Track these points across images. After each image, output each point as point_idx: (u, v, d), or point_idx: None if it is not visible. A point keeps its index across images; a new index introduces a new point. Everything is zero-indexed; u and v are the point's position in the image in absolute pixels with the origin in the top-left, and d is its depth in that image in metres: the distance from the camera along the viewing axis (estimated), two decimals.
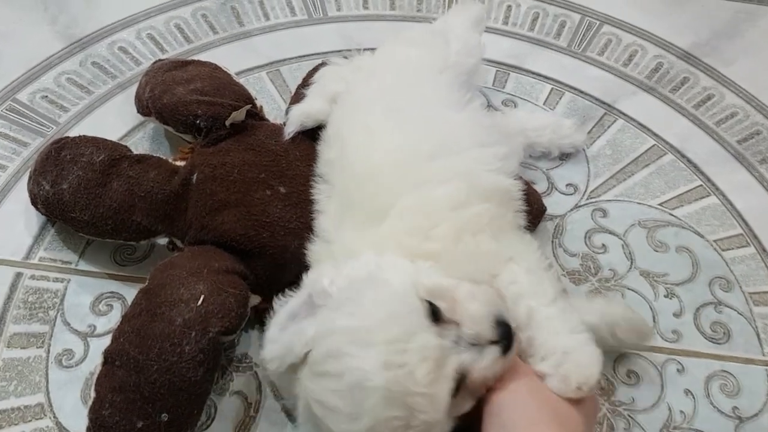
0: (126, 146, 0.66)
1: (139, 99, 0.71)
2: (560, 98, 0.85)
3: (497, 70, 0.88)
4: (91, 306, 0.64)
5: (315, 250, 0.56)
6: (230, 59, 0.84)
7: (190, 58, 0.76)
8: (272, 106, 0.80)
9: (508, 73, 0.87)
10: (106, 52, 0.84)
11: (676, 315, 0.68)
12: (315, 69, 0.75)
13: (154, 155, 0.66)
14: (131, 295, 0.62)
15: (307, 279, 0.49)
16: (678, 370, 0.64)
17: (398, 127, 0.56)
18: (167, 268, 0.58)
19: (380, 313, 0.43)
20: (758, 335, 0.67)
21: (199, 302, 0.54)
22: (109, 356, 0.53)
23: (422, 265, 0.48)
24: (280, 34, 0.88)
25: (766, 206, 0.77)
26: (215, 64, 0.74)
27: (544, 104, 0.84)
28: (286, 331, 0.47)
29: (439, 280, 0.46)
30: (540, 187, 0.76)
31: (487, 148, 0.56)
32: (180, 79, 0.69)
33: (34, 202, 0.65)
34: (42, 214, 0.66)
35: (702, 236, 0.74)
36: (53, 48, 0.84)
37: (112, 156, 0.63)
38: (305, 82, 0.73)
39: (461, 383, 0.43)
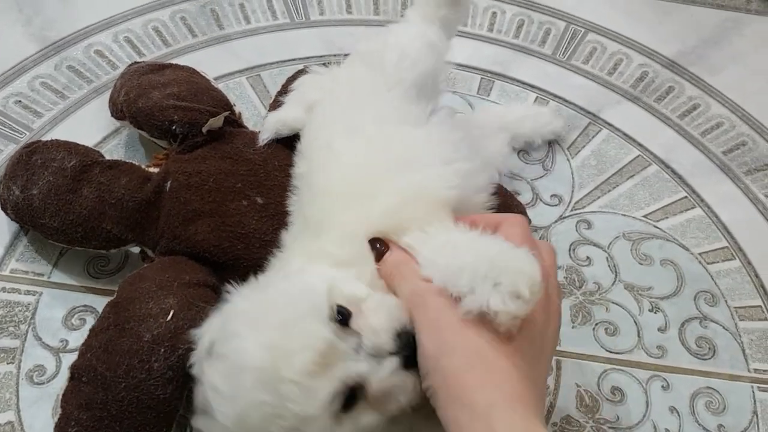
0: (98, 152, 0.64)
1: (113, 102, 0.69)
2: (545, 107, 0.84)
3: (482, 78, 0.87)
4: (64, 320, 0.62)
5: (271, 262, 0.55)
6: (210, 63, 0.82)
7: (167, 62, 0.73)
8: (252, 112, 0.79)
9: (493, 81, 0.86)
10: (82, 55, 0.82)
11: (661, 330, 0.67)
12: (295, 76, 0.73)
13: (127, 161, 0.64)
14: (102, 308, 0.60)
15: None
16: (663, 387, 0.63)
17: (356, 145, 0.54)
18: (136, 281, 0.56)
19: (281, 301, 0.43)
20: (743, 351, 0.66)
21: (169, 317, 0.52)
22: (75, 372, 0.51)
23: (345, 273, 0.46)
24: (261, 38, 0.87)
25: (751, 218, 0.76)
26: (193, 69, 0.72)
27: None
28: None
29: (355, 288, 0.45)
30: (525, 197, 0.75)
31: (447, 165, 0.52)
32: (156, 83, 0.67)
33: (3, 207, 0.63)
34: (12, 219, 0.63)
35: (687, 249, 0.73)
36: (27, 51, 0.81)
37: (84, 161, 0.61)
38: (284, 89, 0.71)
39: (358, 393, 0.41)
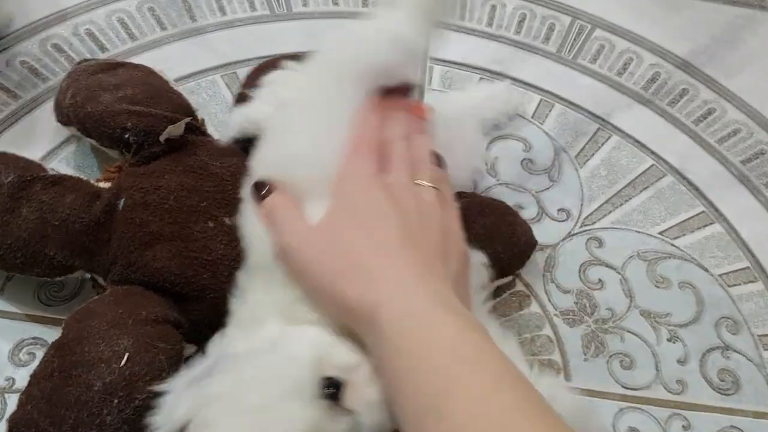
0: (41, 165, 0.56)
1: (59, 105, 0.61)
2: (550, 110, 0.77)
3: (481, 78, 0.79)
4: (10, 355, 0.54)
5: (233, 304, 0.48)
6: (181, 59, 0.74)
7: (120, 60, 0.64)
8: (227, 115, 0.71)
9: (493, 81, 0.79)
10: (37, 50, 0.73)
11: (681, 362, 0.61)
12: (262, 67, 0.64)
13: (74, 176, 0.56)
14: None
15: (214, 343, 0.44)
16: (684, 427, 0.57)
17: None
18: (85, 318, 0.48)
19: (260, 378, 0.37)
20: None
21: (123, 362, 0.45)
22: (14, 427, 0.44)
23: (334, 338, 0.40)
24: (237, 31, 0.79)
25: None
26: (150, 68, 0.63)
27: (532, 117, 0.76)
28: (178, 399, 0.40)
29: (346, 356, 0.39)
30: (530, 212, 0.68)
31: None
32: (107, 84, 0.58)
33: None
34: None
35: (706, 270, 0.67)
36: None
37: (23, 177, 0.53)
38: (250, 82, 0.63)
39: None
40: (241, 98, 0.62)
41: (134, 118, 0.55)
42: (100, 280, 0.55)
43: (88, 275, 0.56)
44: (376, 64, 0.50)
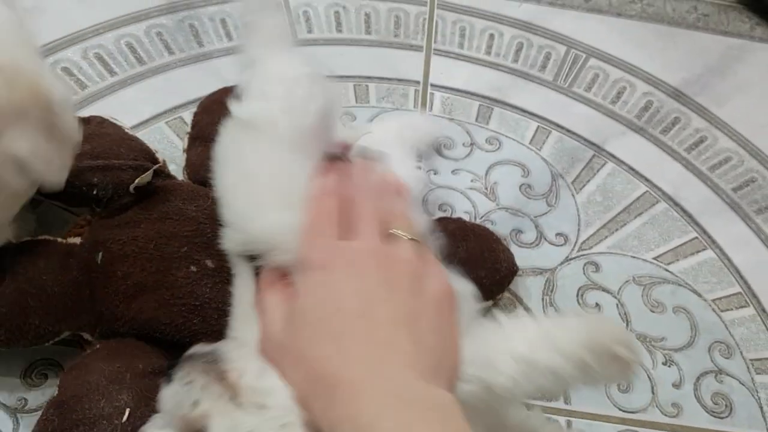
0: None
1: None
2: (547, 137, 0.79)
3: (480, 104, 0.81)
4: (23, 376, 0.55)
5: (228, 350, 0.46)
6: (189, 84, 0.76)
7: None
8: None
9: (492, 108, 0.81)
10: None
11: (676, 385, 0.62)
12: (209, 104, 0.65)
13: (41, 238, 0.55)
14: (68, 361, 0.53)
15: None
16: None
17: None
18: (82, 374, 0.48)
19: None
20: (761, 407, 0.62)
21: (125, 418, 0.45)
22: None
23: None
24: None
25: (763, 261, 0.72)
26: (100, 117, 0.62)
27: (530, 143, 0.78)
28: None
29: None
30: (529, 236, 0.70)
31: None
32: None
33: None
34: None
35: (699, 295, 0.68)
36: None
37: None
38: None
39: None
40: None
41: (99, 173, 0.54)
42: (87, 336, 0.54)
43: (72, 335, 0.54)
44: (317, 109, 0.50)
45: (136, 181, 0.54)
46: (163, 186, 0.57)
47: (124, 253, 0.52)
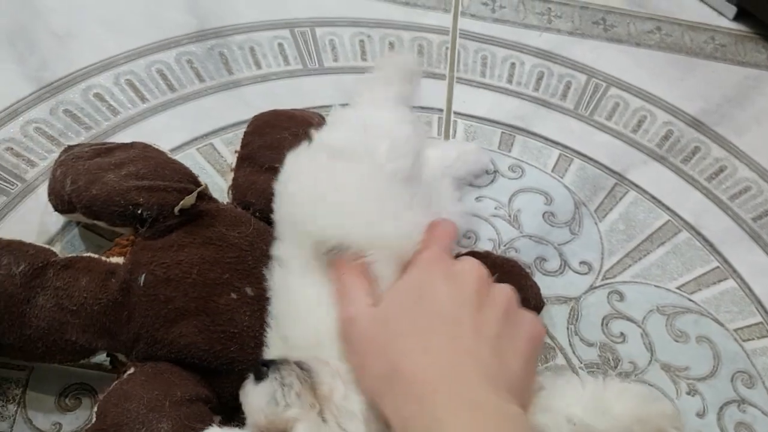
0: (50, 250, 0.55)
1: (56, 194, 0.59)
2: (569, 165, 0.80)
3: (503, 132, 0.83)
4: (57, 400, 0.56)
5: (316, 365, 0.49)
6: (219, 111, 0.77)
7: (111, 142, 0.64)
8: None
9: (514, 136, 0.82)
10: (80, 99, 0.76)
11: (700, 415, 0.63)
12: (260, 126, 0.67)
13: (85, 255, 0.56)
14: (102, 386, 0.54)
15: None
16: None
17: None
18: (121, 401, 0.48)
19: None
20: None
21: None
22: None
23: None
24: (272, 84, 0.82)
25: None
26: (144, 143, 0.63)
27: (552, 171, 0.80)
28: None
29: None
30: (552, 264, 0.71)
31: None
32: (108, 165, 0.58)
33: None
34: None
35: (722, 324, 0.69)
36: (21, 92, 0.75)
37: (34, 264, 0.52)
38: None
39: None
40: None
41: (145, 193, 0.55)
42: (122, 358, 0.55)
43: (106, 355, 0.56)
44: (415, 153, 0.55)
45: (181, 203, 0.55)
46: (207, 210, 0.57)
47: (167, 277, 0.53)
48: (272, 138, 0.64)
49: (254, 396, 0.41)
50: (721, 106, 0.90)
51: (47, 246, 0.56)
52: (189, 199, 0.55)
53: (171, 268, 0.53)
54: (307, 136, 0.58)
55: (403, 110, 0.60)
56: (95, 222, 0.58)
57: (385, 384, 0.39)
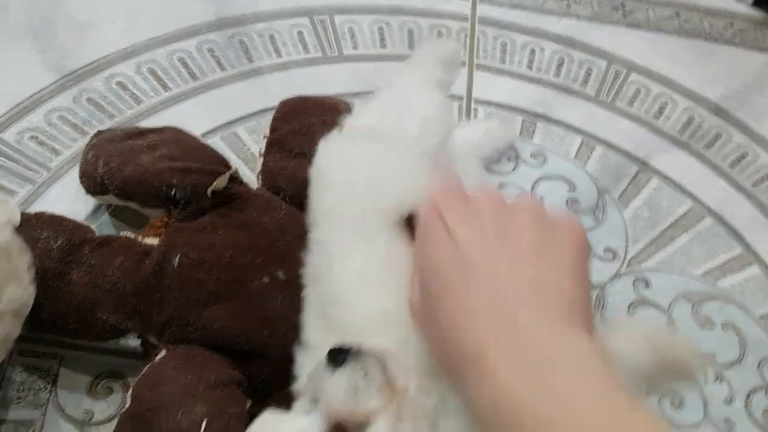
0: (88, 227, 0.56)
1: (88, 176, 0.59)
2: (591, 152, 0.80)
3: (524, 119, 0.82)
4: (88, 388, 0.56)
5: (300, 356, 0.48)
6: (240, 100, 0.77)
7: (143, 127, 0.64)
8: None
9: (536, 123, 0.82)
10: (102, 87, 0.76)
11: (727, 402, 0.63)
12: (290, 111, 0.67)
13: (121, 235, 0.56)
14: (133, 373, 0.55)
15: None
16: None
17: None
18: (155, 385, 0.49)
19: None
20: None
21: (202, 430, 0.46)
22: None
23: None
24: (292, 73, 0.82)
25: None
26: (175, 127, 0.63)
27: (575, 158, 0.79)
28: None
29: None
30: None
31: None
32: (140, 147, 0.59)
33: None
34: None
35: (747, 311, 0.69)
36: (43, 81, 0.75)
37: (72, 240, 0.53)
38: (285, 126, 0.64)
39: None
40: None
41: (178, 174, 0.56)
42: (153, 340, 0.55)
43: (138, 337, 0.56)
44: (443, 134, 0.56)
45: (214, 183, 0.55)
46: (239, 193, 0.58)
47: (201, 259, 0.53)
48: (300, 124, 0.64)
49: (332, 384, 0.39)
50: (741, 92, 0.90)
51: (86, 223, 0.57)
52: (221, 181, 0.56)
53: (204, 250, 0.53)
54: (336, 123, 0.58)
55: (437, 94, 0.60)
56: (127, 203, 0.59)
57: (451, 360, 0.36)
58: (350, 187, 0.51)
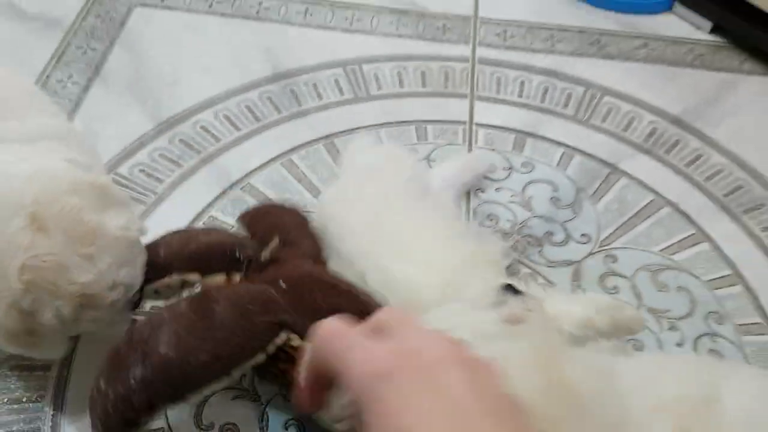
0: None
1: (154, 259, 0.62)
2: (571, 160, 1.00)
3: (515, 137, 1.03)
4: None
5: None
6: (290, 135, 1.00)
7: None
8: (329, 172, 0.95)
9: (526, 139, 1.03)
10: (190, 130, 1.00)
11: (679, 345, 0.81)
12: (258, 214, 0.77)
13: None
14: None
15: None
16: None
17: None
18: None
19: None
20: (747, 360, 0.81)
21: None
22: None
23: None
24: (331, 111, 1.04)
25: (749, 251, 0.91)
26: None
27: (557, 165, 1.00)
28: None
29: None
30: (558, 237, 0.91)
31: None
32: (181, 239, 0.66)
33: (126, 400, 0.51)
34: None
35: (697, 277, 0.88)
36: (145, 127, 0.99)
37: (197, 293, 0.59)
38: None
39: None
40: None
41: (235, 239, 0.66)
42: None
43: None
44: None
45: (269, 247, 0.64)
46: (279, 258, 0.65)
47: (302, 280, 0.60)
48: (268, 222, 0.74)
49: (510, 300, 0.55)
50: (699, 105, 1.09)
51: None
52: (273, 244, 0.65)
53: (302, 275, 0.61)
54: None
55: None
56: (187, 277, 0.62)
57: None
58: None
